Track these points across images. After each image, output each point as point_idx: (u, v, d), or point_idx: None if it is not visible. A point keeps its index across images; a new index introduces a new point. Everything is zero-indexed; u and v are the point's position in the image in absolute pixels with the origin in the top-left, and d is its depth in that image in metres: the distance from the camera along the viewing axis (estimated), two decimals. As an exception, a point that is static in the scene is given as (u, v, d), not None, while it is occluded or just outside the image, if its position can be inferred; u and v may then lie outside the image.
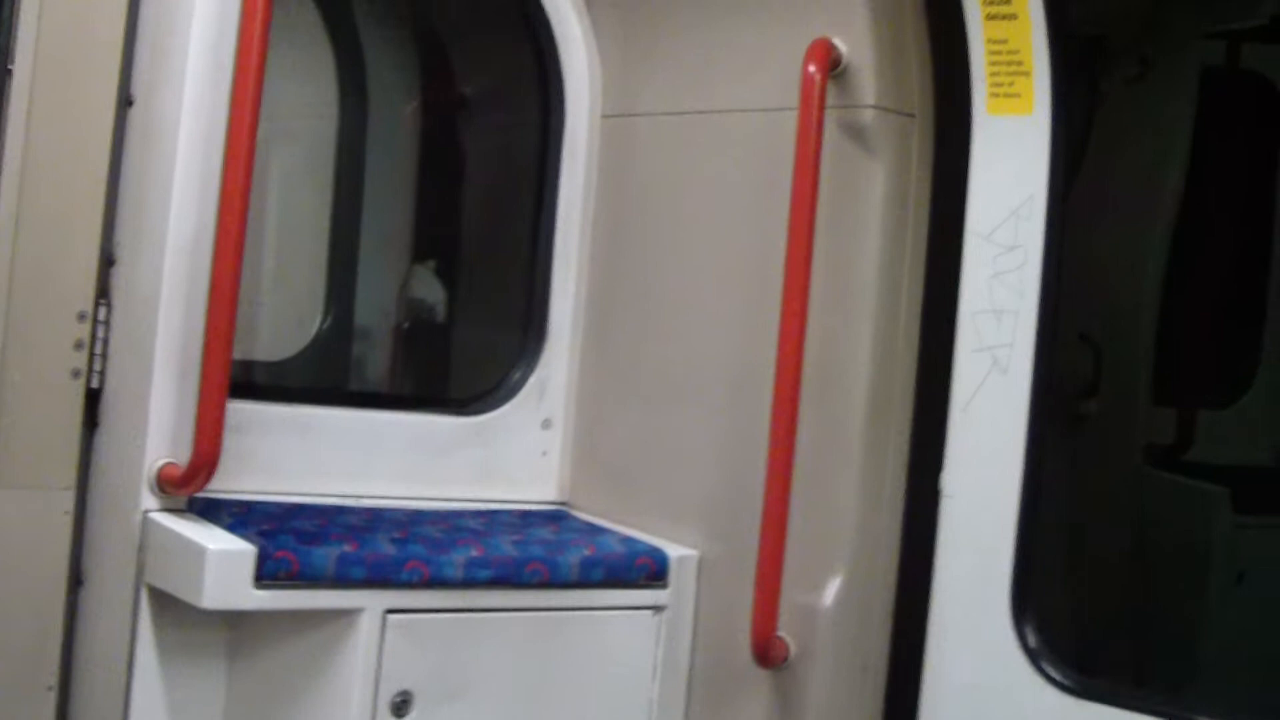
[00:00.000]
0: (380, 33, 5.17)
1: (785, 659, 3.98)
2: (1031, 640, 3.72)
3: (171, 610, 3.86)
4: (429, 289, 5.18)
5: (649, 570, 4.22)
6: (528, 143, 4.73)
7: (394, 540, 3.98)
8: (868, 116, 4.02)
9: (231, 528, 3.86)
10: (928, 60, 4.07)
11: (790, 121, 3.97)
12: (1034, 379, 3.78)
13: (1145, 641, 4.73)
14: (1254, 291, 5.20)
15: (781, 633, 3.96)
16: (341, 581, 3.82)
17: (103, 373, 4.01)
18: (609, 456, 4.58)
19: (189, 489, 3.87)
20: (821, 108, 3.93)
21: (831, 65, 3.99)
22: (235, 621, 3.97)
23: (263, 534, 3.82)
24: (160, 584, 3.85)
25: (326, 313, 5.07)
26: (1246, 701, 4.26)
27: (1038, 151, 3.78)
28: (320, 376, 5.08)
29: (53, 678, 3.97)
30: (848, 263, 4.03)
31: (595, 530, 4.40)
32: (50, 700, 3.97)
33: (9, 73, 3.87)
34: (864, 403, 4.02)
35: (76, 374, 3.98)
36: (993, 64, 3.83)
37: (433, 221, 5.23)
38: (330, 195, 5.10)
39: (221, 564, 3.70)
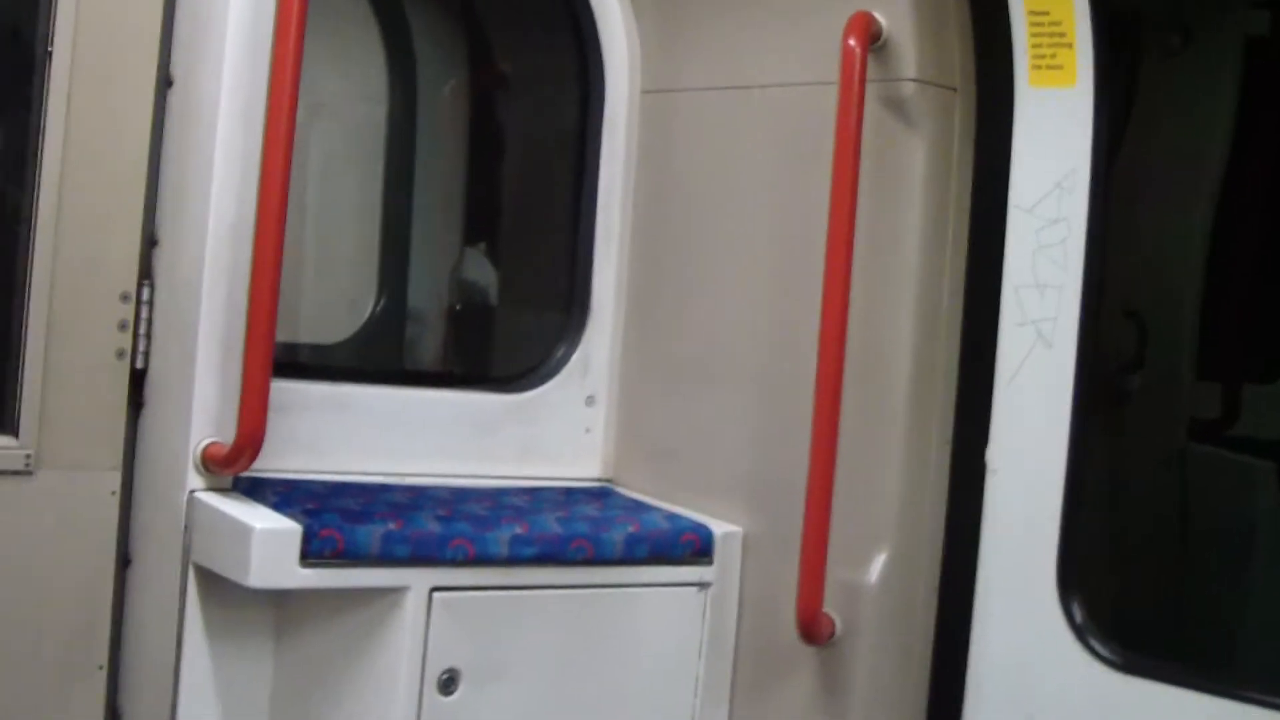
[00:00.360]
0: (426, 13, 5.18)
1: (831, 636, 3.98)
2: (1077, 616, 3.71)
3: (218, 589, 3.88)
4: (480, 271, 5.20)
5: (694, 547, 4.22)
6: (570, 121, 4.74)
7: (438, 518, 3.98)
8: (908, 90, 4.00)
9: (276, 506, 3.88)
10: (969, 32, 4.04)
11: (830, 96, 3.95)
12: (1078, 353, 3.76)
13: (1191, 617, 4.70)
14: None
15: (827, 609, 3.95)
16: (386, 559, 3.83)
17: (147, 353, 4.04)
18: (652, 433, 4.58)
19: (234, 468, 3.88)
20: (862, 81, 3.91)
21: (872, 38, 3.97)
22: (281, 600, 3.99)
23: (308, 513, 3.83)
24: (207, 563, 3.87)
25: (380, 296, 5.09)
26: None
27: (1081, 124, 3.75)
28: (373, 360, 5.09)
29: (103, 657, 4.01)
30: (889, 237, 4.01)
31: (639, 507, 4.41)
32: (100, 679, 4.01)
33: (49, 55, 3.88)
34: (907, 378, 4.00)
35: (121, 355, 4.01)
36: (1034, 35, 3.80)
37: (481, 202, 5.24)
38: (381, 177, 5.12)
39: (268, 543, 3.71)
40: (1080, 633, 3.70)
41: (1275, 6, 4.98)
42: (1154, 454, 4.86)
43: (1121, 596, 4.43)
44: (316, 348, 4.97)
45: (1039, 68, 3.81)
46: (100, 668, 4.00)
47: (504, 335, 5.18)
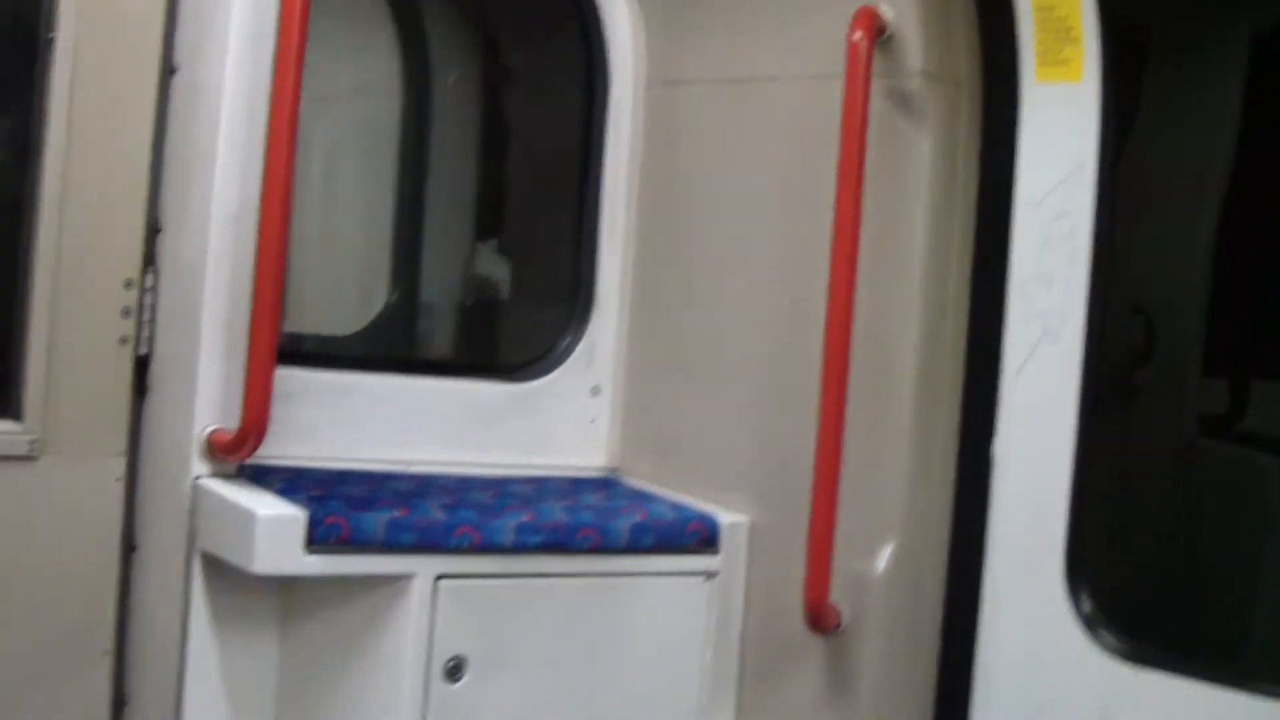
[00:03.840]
0: (438, 6, 5.18)
1: (838, 626, 3.97)
2: (1085, 607, 3.71)
3: (223, 576, 3.87)
4: (493, 264, 5.20)
5: (700, 536, 4.21)
6: (575, 112, 4.73)
7: (444, 506, 3.98)
8: (914, 84, 3.99)
9: (281, 493, 3.87)
10: (975, 27, 4.03)
11: (836, 89, 3.94)
12: (1085, 346, 3.76)
13: (1198, 610, 4.71)
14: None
15: (834, 599, 3.94)
16: (392, 546, 3.82)
17: (151, 339, 4.03)
18: (658, 423, 4.57)
19: (238, 455, 3.87)
20: (868, 75, 3.90)
21: (878, 32, 3.96)
22: (287, 586, 3.98)
23: (313, 499, 3.82)
24: (212, 549, 3.86)
25: (393, 289, 5.10)
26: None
27: (1087, 119, 3.76)
28: (384, 350, 5.06)
29: (108, 643, 4.00)
30: (895, 230, 4.00)
31: (645, 496, 4.40)
32: (106, 665, 4.00)
33: (51, 41, 3.88)
34: (914, 370, 3.99)
35: (125, 341, 4.00)
36: (1041, 30, 3.81)
37: (490, 194, 5.25)
38: (394, 171, 5.12)
39: (272, 529, 3.70)
40: (1088, 623, 3.69)
41: (1280, 4, 5.01)
42: (1161, 448, 4.87)
43: (1129, 588, 4.44)
44: (329, 340, 4.95)
45: (1045, 63, 3.81)
46: (105, 653, 4.00)
47: (513, 326, 5.17)
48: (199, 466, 3.92)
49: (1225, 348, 4.98)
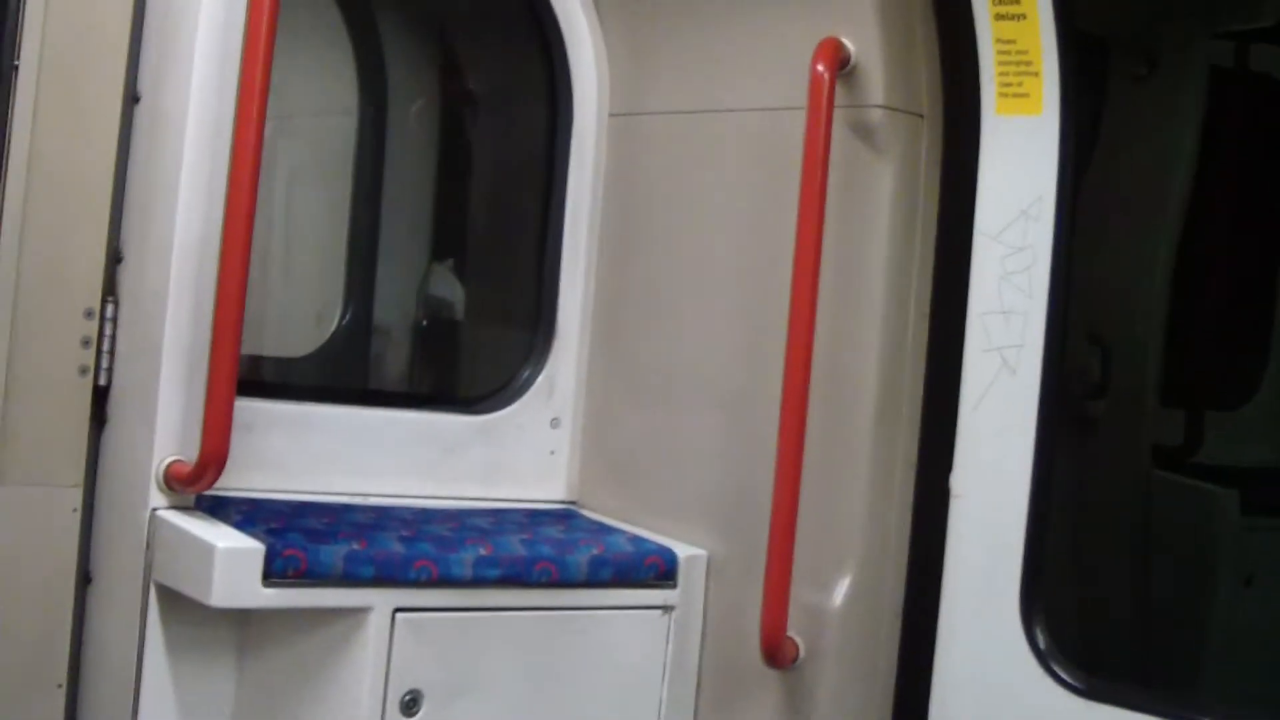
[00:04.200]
0: (397, 30, 5.17)
1: (795, 659, 3.97)
2: (1041, 641, 3.71)
3: (180, 608, 3.85)
4: (447, 288, 5.19)
5: (658, 570, 4.21)
6: (537, 142, 4.72)
7: (402, 539, 3.96)
8: (876, 116, 4.01)
9: (239, 525, 3.85)
10: (937, 60, 4.06)
11: (799, 121, 3.96)
12: (1043, 379, 3.76)
13: (1154, 643, 4.72)
14: (1263, 292, 5.19)
15: (791, 633, 3.95)
16: (350, 580, 3.81)
17: (110, 370, 4.00)
18: (617, 455, 4.57)
19: (197, 486, 3.86)
20: (830, 107, 3.92)
21: (840, 64, 3.98)
22: (244, 620, 3.96)
23: (271, 532, 3.81)
24: (169, 582, 3.84)
25: (345, 310, 5.06)
26: (1254, 704, 4.25)
27: (1047, 152, 3.77)
28: (337, 375, 5.08)
29: (61, 675, 3.96)
30: (856, 262, 4.02)
31: (604, 529, 4.39)
32: (59, 698, 3.96)
33: (15, 68, 3.86)
34: (873, 403, 4.00)
35: (84, 371, 3.97)
36: (1002, 64, 3.82)
37: (448, 220, 5.23)
38: (348, 192, 5.10)
39: (230, 562, 3.69)
40: (1043, 658, 3.69)
41: (1238, 36, 5.03)
42: (1118, 480, 4.89)
43: (1086, 622, 4.46)
44: (280, 361, 4.94)
45: (1006, 95, 3.82)
46: (59, 686, 3.96)
47: (469, 355, 5.17)
48: (157, 498, 3.89)
49: (1182, 378, 5.01)
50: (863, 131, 4.02)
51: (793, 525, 3.88)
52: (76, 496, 3.98)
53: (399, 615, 3.86)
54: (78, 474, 3.98)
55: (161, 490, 3.90)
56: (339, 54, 5.08)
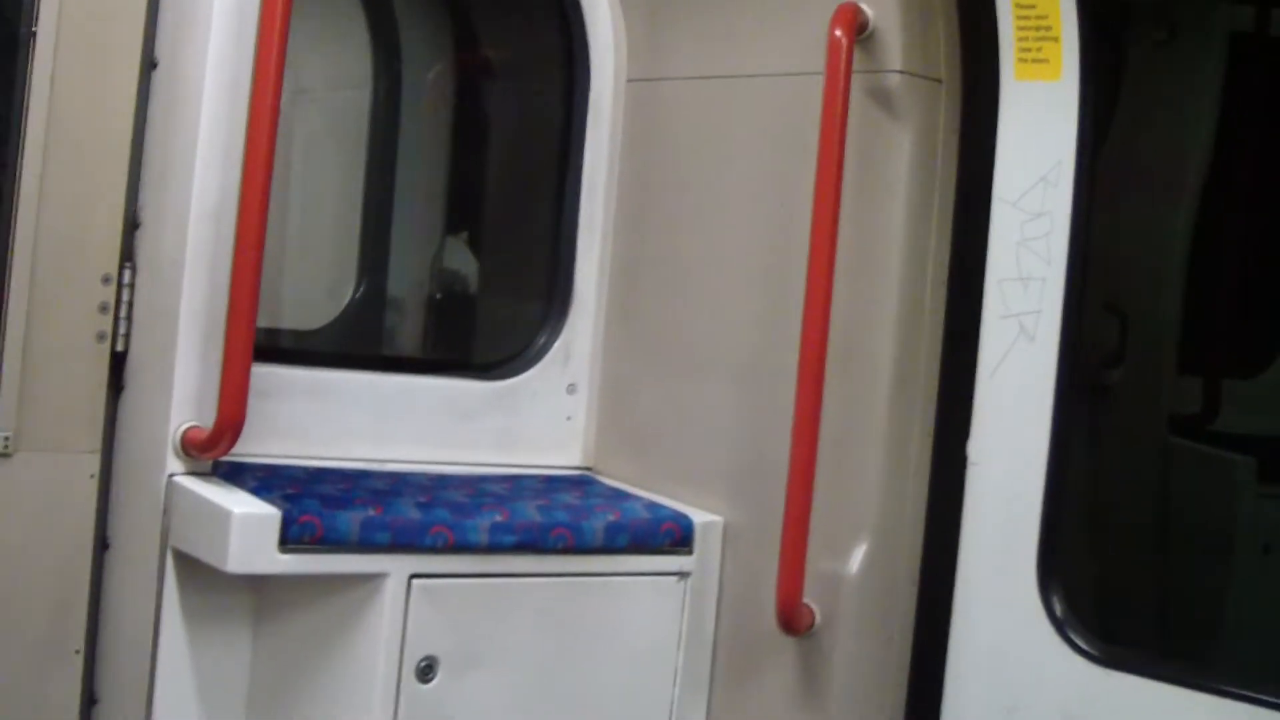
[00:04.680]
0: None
1: (811, 626, 3.98)
2: (1057, 608, 3.72)
3: (197, 574, 3.87)
4: (461, 258, 5.19)
5: (674, 536, 4.22)
6: (554, 109, 4.72)
7: (418, 505, 3.97)
8: (894, 81, 4.00)
9: (256, 491, 3.86)
10: (955, 25, 4.04)
11: (816, 86, 3.95)
12: (1061, 346, 3.76)
13: (1170, 611, 4.72)
14: (1281, 260, 5.18)
15: (807, 600, 3.95)
16: (366, 546, 3.82)
17: (128, 336, 4.02)
18: (634, 422, 4.57)
19: (214, 453, 3.87)
20: (848, 72, 3.91)
21: (859, 29, 3.97)
22: (260, 585, 3.98)
23: (287, 498, 3.82)
24: (185, 548, 3.86)
25: (360, 281, 5.08)
26: (1272, 672, 4.25)
27: (1066, 118, 3.76)
28: (352, 346, 5.06)
29: (79, 641, 3.99)
30: (874, 228, 4.01)
31: (620, 496, 4.39)
32: (77, 663, 3.99)
33: (33, 35, 3.86)
34: (890, 369, 4.00)
35: (102, 337, 3.99)
36: (1021, 29, 3.80)
37: (464, 188, 5.23)
38: (364, 163, 5.10)
39: (246, 528, 3.70)
40: (1060, 625, 3.70)
41: (1259, 1, 4.99)
42: (1135, 448, 4.87)
43: (1102, 589, 4.45)
44: (296, 333, 4.95)
45: (1025, 61, 3.81)
46: (77, 651, 3.99)
47: (485, 322, 5.16)
48: (174, 464, 3.91)
49: (1199, 346, 4.99)
50: (881, 97, 4.01)
51: (809, 492, 3.88)
52: (94, 462, 3.99)
53: (415, 581, 3.87)
54: (95, 440, 4.00)
55: (178, 456, 3.91)
56: (353, 22, 5.07)
